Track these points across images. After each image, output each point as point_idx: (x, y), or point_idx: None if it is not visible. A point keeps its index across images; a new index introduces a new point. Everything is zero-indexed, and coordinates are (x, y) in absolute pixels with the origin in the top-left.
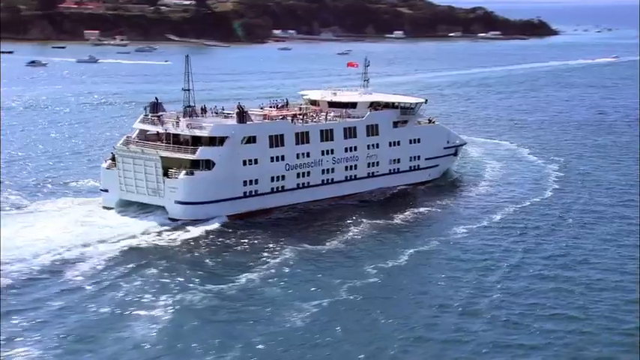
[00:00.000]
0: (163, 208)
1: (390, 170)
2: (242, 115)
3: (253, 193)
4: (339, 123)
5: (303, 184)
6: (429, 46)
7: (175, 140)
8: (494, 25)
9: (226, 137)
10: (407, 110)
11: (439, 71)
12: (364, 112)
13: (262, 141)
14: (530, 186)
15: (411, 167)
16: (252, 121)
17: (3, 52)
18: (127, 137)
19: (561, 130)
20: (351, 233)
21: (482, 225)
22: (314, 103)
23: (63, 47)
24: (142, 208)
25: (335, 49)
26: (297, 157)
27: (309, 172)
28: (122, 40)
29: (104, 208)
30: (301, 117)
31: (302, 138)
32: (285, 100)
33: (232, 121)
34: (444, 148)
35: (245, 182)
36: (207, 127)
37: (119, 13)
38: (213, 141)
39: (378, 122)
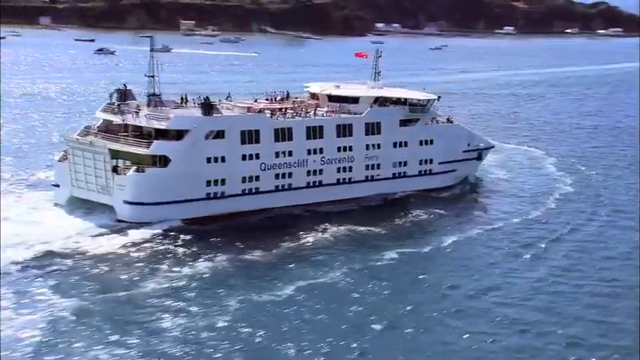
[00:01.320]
0: (113, 207)
1: (394, 174)
2: (207, 107)
3: (219, 195)
4: (331, 119)
5: (283, 186)
6: (538, 43)
7: (139, 133)
8: (617, 21)
9: (187, 131)
10: (416, 107)
11: (525, 69)
12: (367, 107)
13: (232, 136)
14: (520, 205)
15: (420, 172)
16: (220, 113)
17: (84, 40)
18: (86, 128)
19: (612, 137)
20: (295, 247)
21: (422, 250)
22: (314, 96)
23: (150, 36)
24: (93, 207)
25: (432, 44)
26: (276, 156)
27: (290, 173)
28: (213, 30)
29: (55, 204)
30: (283, 111)
31: (283, 134)
32: (286, 93)
33: (197, 113)
34: (464, 151)
35: (209, 182)
36: (168, 119)
37: (217, 4)
38: (173, 134)
39: (381, 120)
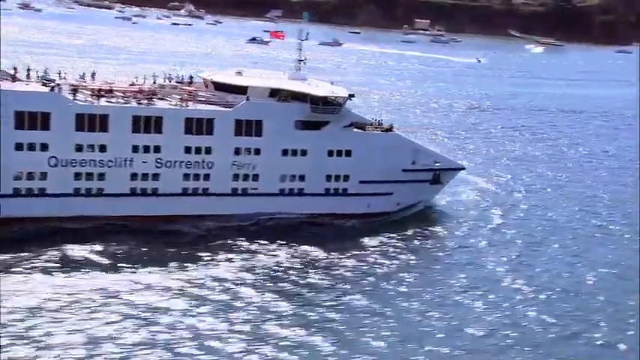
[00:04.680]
0: None
1: (282, 190)
2: None
3: None
4: (177, 110)
5: (90, 190)
6: None
7: None
8: None
9: None
10: (319, 107)
11: None
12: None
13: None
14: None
15: (328, 190)
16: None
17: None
18: None
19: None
20: None
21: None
22: (205, 84)
23: (358, 32)
24: None
25: None
26: (78, 150)
27: (102, 174)
28: (439, 30)
29: None
30: (98, 93)
31: (91, 123)
32: (189, 77)
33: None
34: (404, 170)
35: None
36: None
37: (460, 3)
38: None
39: (263, 118)
